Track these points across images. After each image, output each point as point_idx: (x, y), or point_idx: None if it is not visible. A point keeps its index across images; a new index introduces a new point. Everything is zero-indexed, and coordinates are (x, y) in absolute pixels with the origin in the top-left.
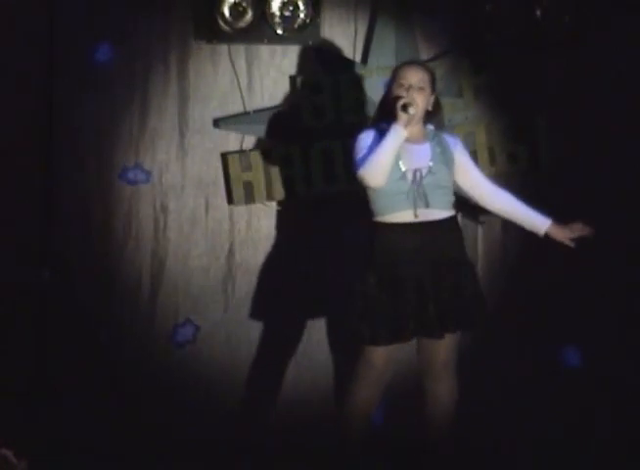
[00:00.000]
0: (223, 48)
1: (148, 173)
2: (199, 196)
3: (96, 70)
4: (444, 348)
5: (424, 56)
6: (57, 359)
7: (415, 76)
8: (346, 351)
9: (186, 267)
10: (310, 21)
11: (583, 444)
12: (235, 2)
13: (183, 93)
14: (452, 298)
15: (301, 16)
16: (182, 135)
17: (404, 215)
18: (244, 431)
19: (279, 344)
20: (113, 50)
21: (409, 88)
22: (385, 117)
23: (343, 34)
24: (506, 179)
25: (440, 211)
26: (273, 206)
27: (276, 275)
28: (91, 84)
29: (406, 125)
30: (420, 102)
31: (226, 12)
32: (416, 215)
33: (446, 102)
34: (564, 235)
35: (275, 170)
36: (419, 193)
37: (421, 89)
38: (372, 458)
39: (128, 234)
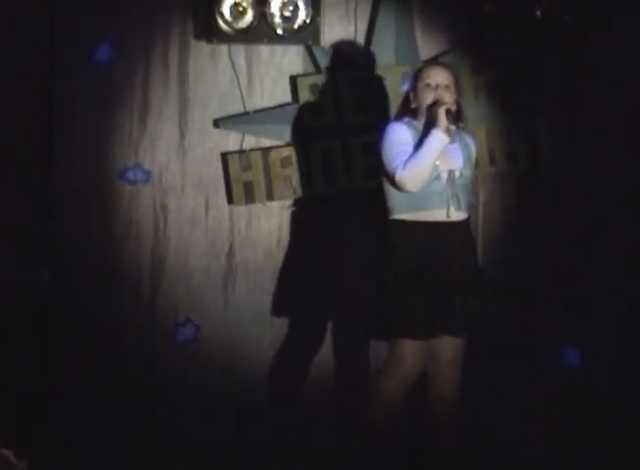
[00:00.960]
0: (223, 48)
1: (148, 173)
2: (199, 196)
3: (96, 71)
4: (457, 345)
5: (424, 56)
6: (57, 359)
7: (441, 76)
8: (348, 350)
9: (186, 267)
10: (310, 21)
11: (583, 444)
12: (235, 2)
13: (183, 93)
14: (474, 298)
15: (301, 16)
16: (182, 135)
17: (436, 214)
18: (244, 431)
19: (279, 343)
20: (113, 50)
21: (437, 88)
22: (408, 114)
23: (343, 34)
24: (506, 179)
25: (464, 212)
26: (273, 206)
27: (276, 275)
28: (91, 84)
29: (445, 131)
30: (449, 100)
31: (226, 12)
32: (449, 215)
33: None
34: None
35: (275, 170)
36: (452, 193)
37: (447, 87)
38: (372, 458)
39: (128, 234)
